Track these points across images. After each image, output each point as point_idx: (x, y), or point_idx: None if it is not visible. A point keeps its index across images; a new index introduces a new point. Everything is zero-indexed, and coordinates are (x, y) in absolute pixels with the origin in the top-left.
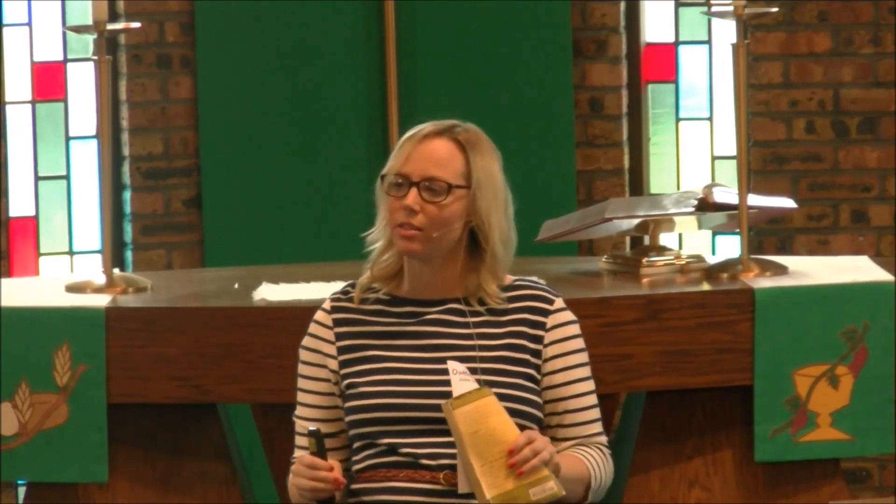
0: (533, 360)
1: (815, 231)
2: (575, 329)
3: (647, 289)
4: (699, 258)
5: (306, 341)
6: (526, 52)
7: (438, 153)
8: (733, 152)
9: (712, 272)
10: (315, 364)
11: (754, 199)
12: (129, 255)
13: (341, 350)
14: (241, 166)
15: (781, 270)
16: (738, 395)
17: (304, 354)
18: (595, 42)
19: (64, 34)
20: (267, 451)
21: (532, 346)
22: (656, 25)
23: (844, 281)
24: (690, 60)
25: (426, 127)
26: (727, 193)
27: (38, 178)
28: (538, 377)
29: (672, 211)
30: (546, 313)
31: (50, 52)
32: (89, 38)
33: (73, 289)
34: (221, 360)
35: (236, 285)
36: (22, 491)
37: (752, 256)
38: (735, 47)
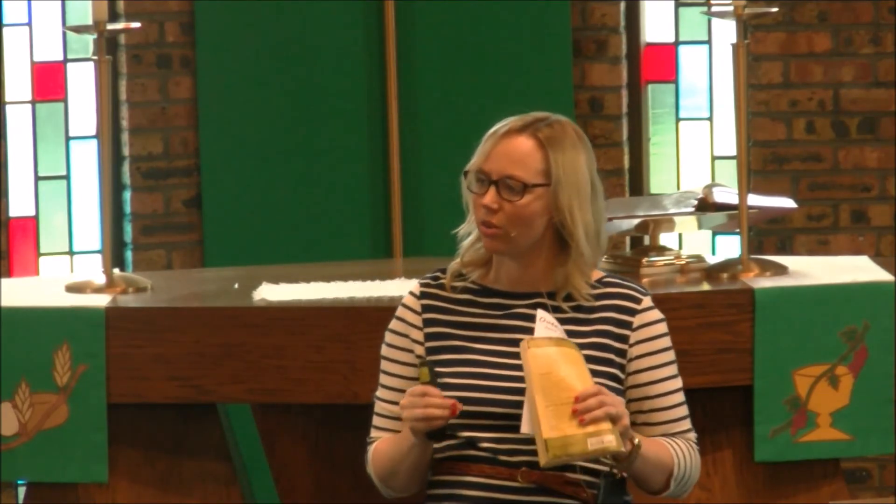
0: (617, 359)
1: (815, 231)
2: (662, 328)
3: (648, 289)
4: (699, 258)
5: (393, 324)
6: (526, 52)
7: (517, 151)
8: (733, 152)
9: (712, 272)
10: (401, 348)
11: (754, 199)
12: (129, 255)
13: (428, 336)
14: (241, 166)
15: (781, 270)
16: (738, 395)
17: (389, 337)
18: (595, 42)
19: (64, 34)
20: (267, 451)
21: (617, 345)
22: (656, 25)
23: (844, 281)
24: (690, 60)
25: (510, 122)
26: (727, 193)
27: (38, 178)
28: (622, 376)
29: (672, 211)
30: (633, 312)
31: (50, 52)
32: (89, 38)
33: (73, 289)
34: (221, 360)
35: (236, 285)
36: (22, 491)
37: (752, 256)
38: (735, 47)
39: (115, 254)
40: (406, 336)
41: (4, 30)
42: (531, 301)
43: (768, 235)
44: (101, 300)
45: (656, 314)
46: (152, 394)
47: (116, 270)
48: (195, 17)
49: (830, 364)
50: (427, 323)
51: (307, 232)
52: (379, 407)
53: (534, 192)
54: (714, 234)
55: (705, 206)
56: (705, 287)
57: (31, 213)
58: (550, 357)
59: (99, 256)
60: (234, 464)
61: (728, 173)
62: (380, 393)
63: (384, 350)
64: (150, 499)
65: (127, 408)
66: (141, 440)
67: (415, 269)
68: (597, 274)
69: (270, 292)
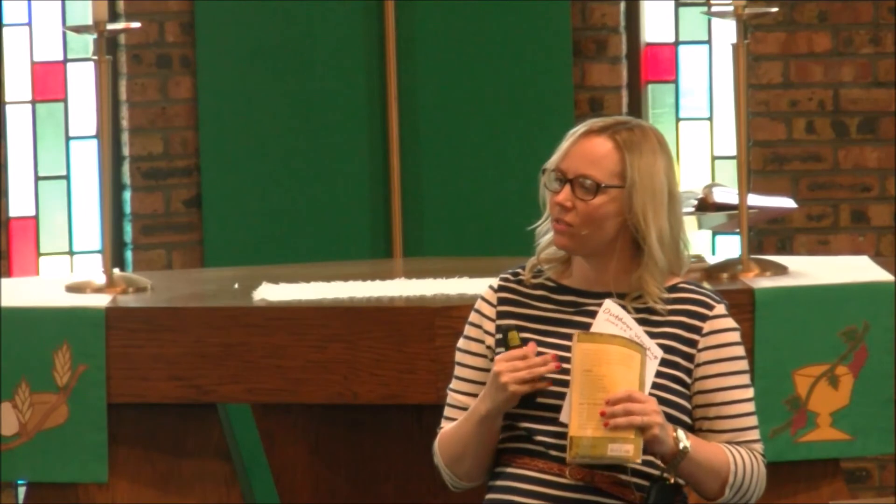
0: (684, 363)
1: (815, 231)
2: (733, 336)
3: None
4: (699, 258)
5: (471, 317)
6: (526, 52)
7: (594, 151)
8: (733, 152)
9: (712, 272)
10: (474, 339)
11: (754, 199)
12: (129, 255)
13: (499, 328)
14: (241, 166)
15: (781, 270)
16: None
17: (466, 329)
18: (595, 42)
19: (64, 34)
20: (267, 451)
21: (685, 349)
22: (656, 25)
23: (844, 281)
24: (690, 60)
25: (591, 123)
26: (727, 193)
27: (38, 178)
28: (688, 381)
29: None
30: (704, 318)
31: (50, 52)
32: (89, 38)
33: (73, 289)
34: (221, 360)
35: (236, 285)
36: (22, 491)
37: (752, 256)
38: (735, 47)
39: (115, 254)
40: (479, 327)
41: (4, 30)
42: (603, 300)
43: (768, 235)
44: (101, 300)
45: (728, 322)
46: (152, 394)
47: (116, 270)
48: (195, 17)
49: (830, 364)
50: (500, 315)
51: (307, 232)
52: (452, 398)
53: (608, 194)
54: (714, 234)
55: (705, 206)
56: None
57: (31, 213)
58: (597, 354)
59: (99, 256)
60: (234, 464)
61: (728, 173)
62: (453, 385)
63: (461, 342)
64: (150, 499)
65: (127, 408)
66: (141, 440)
67: (415, 270)
68: (674, 279)
69: (270, 292)
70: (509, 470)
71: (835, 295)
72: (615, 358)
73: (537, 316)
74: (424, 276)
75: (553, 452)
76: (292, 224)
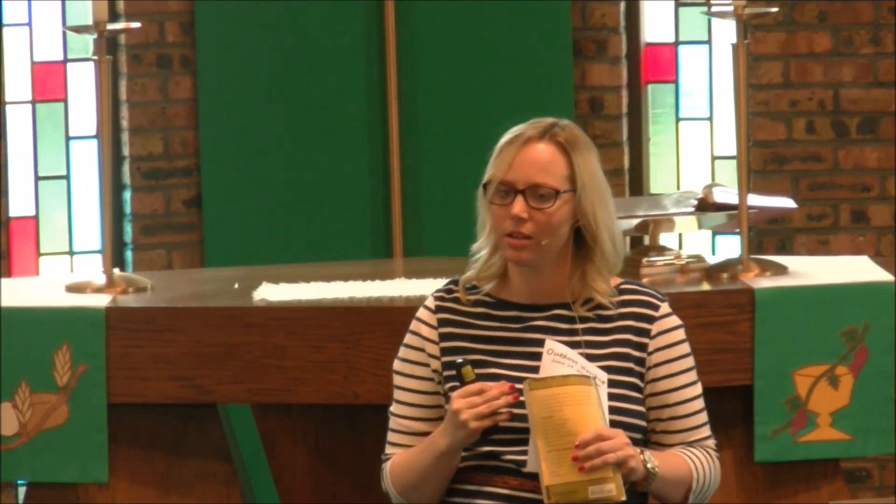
0: (637, 367)
1: (815, 231)
2: (679, 334)
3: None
4: (699, 258)
5: (408, 339)
6: (526, 52)
7: (542, 158)
8: (733, 152)
9: (712, 272)
10: (418, 362)
11: (754, 199)
12: (129, 255)
13: (445, 351)
14: (241, 166)
15: (781, 270)
16: (738, 395)
17: (404, 352)
18: (595, 42)
19: (64, 34)
20: (267, 451)
21: (636, 353)
22: (656, 25)
23: (844, 281)
24: (690, 60)
25: (525, 130)
26: (727, 193)
27: (38, 178)
28: (641, 385)
29: (672, 211)
30: (651, 320)
31: (50, 52)
32: (89, 38)
33: (73, 289)
34: (221, 360)
35: (236, 285)
36: (22, 491)
37: (752, 256)
38: (735, 47)
39: (115, 254)
40: (422, 350)
41: (4, 30)
42: (549, 313)
43: (768, 235)
44: (101, 300)
45: (674, 320)
46: (152, 394)
47: (116, 270)
48: (195, 17)
49: (830, 364)
50: (443, 337)
51: (307, 232)
52: (394, 423)
53: (562, 198)
54: (714, 234)
55: (705, 206)
56: (705, 287)
57: (31, 213)
58: (553, 398)
59: (99, 256)
60: (234, 464)
61: (728, 173)
62: (394, 409)
63: (398, 365)
64: (150, 499)
65: (127, 408)
66: (141, 440)
67: (415, 270)
68: (615, 280)
69: (270, 292)
70: (473, 487)
71: (835, 295)
72: (573, 398)
73: (483, 336)
74: (424, 276)
75: (525, 470)
76: (292, 224)
